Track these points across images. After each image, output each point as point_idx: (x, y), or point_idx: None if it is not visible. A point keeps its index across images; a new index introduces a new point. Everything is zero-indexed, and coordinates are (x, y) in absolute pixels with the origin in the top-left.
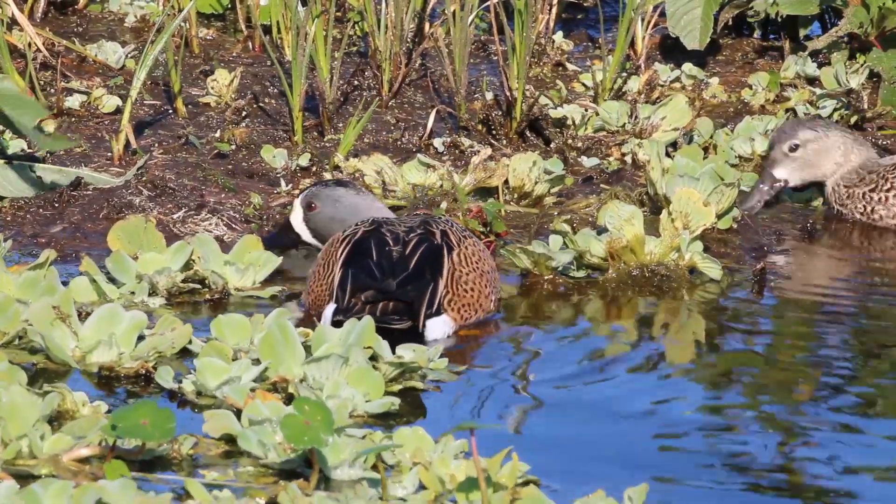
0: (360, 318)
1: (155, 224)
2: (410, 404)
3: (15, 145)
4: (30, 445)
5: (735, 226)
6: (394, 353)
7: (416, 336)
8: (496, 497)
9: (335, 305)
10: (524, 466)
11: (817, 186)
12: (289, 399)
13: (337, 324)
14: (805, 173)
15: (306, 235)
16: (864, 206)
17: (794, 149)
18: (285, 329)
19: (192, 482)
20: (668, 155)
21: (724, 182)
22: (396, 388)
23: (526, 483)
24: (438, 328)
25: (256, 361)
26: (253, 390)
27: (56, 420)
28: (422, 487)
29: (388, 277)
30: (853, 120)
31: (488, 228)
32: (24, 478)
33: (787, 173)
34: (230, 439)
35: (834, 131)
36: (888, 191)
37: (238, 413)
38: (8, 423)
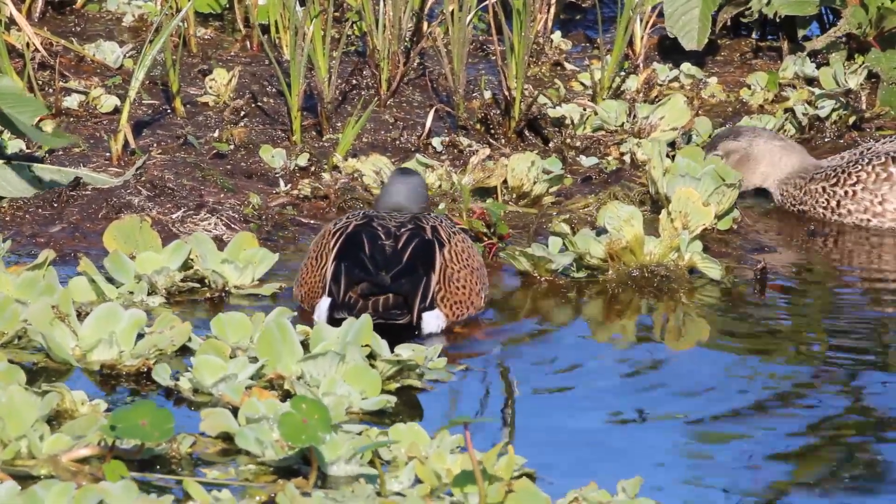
0: (359, 316)
1: (152, 224)
2: (407, 402)
3: (14, 145)
4: (29, 446)
5: (735, 227)
6: (392, 350)
7: (411, 330)
8: (492, 489)
9: (330, 300)
10: (520, 459)
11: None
12: (285, 396)
13: (337, 321)
14: None
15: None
16: (827, 201)
17: (720, 158)
18: (283, 327)
19: (192, 483)
20: (666, 155)
21: (725, 182)
22: (394, 386)
23: (522, 476)
24: (433, 321)
25: (254, 359)
26: (249, 388)
27: (55, 420)
28: (418, 482)
29: (382, 271)
30: (851, 120)
31: (492, 230)
32: (24, 478)
33: None
34: (227, 437)
35: (760, 141)
36: (854, 185)
37: (235, 410)
38: (7, 423)
